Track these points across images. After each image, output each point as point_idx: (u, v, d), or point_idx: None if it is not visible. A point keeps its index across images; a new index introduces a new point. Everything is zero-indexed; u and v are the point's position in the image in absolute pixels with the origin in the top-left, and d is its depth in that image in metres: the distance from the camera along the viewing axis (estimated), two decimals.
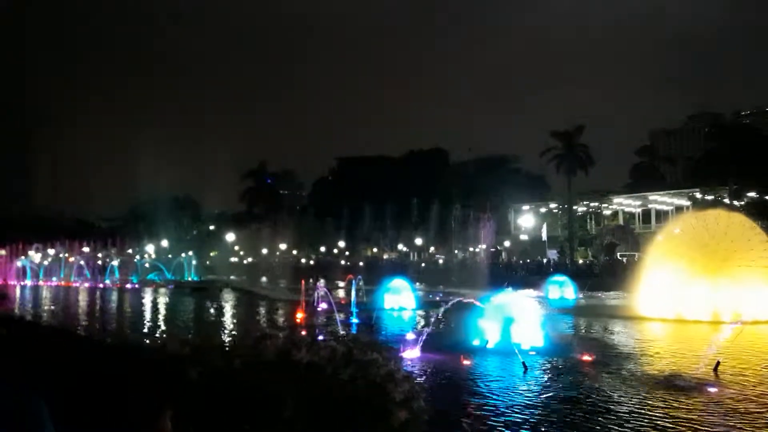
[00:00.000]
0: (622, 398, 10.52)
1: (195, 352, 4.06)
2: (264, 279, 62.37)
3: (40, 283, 69.32)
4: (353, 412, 3.63)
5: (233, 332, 21.15)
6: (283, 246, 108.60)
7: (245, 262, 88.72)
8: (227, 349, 4.17)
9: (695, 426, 8.69)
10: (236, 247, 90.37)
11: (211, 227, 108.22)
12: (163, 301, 41.24)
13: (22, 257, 78.69)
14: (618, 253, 74.37)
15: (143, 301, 40.78)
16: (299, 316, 24.37)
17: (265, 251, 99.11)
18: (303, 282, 36.52)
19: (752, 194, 72.53)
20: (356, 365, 3.90)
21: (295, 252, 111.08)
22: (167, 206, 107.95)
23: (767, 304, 22.48)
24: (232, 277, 62.70)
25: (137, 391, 2.82)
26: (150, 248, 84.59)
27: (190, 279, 67.76)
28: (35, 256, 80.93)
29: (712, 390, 10.82)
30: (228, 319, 27.54)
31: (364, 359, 3.98)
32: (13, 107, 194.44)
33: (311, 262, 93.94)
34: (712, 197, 71.40)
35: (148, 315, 31.42)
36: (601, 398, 10.51)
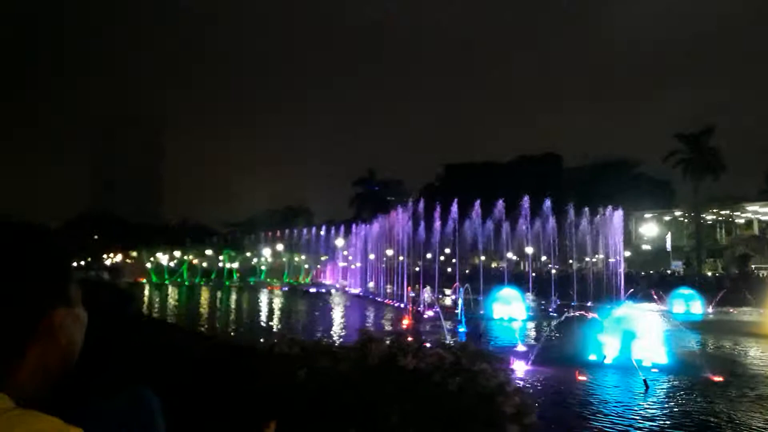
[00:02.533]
0: (755, 424, 9.46)
1: (303, 353, 4.05)
2: (371, 284, 63.39)
3: (167, 282, 74.87)
4: (460, 424, 3.43)
5: (340, 335, 21.54)
6: (390, 252, 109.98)
7: (353, 267, 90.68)
8: (333, 351, 4.13)
9: None
10: (345, 253, 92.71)
11: (323, 233, 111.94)
12: (277, 302, 42.99)
13: (151, 259, 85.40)
14: (752, 265, 67.95)
15: (258, 302, 42.74)
16: (405, 322, 24.39)
17: (372, 257, 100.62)
18: (409, 288, 36.61)
19: None
20: (464, 375, 3.69)
21: (401, 258, 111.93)
22: (282, 214, 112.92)
23: None
24: (341, 281, 64.27)
25: (244, 395, 2.83)
26: (267, 252, 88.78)
27: (303, 282, 70.32)
28: (162, 258, 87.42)
29: None
30: (335, 322, 28.14)
31: (472, 369, 3.77)
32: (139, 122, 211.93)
33: (417, 268, 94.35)
34: None
35: (261, 315, 32.85)
36: (731, 424, 9.51)
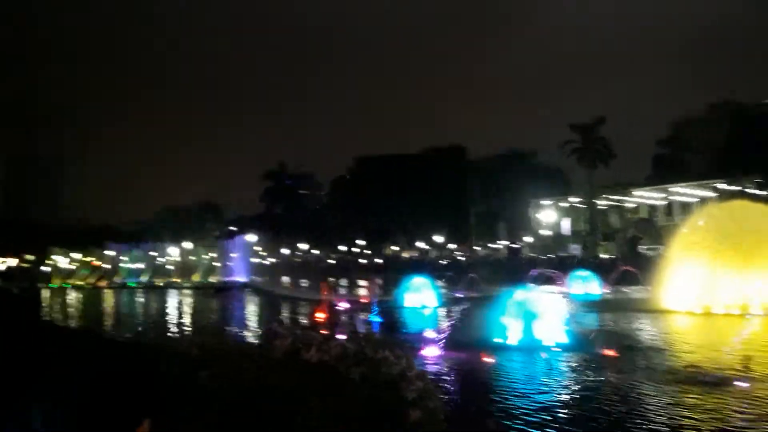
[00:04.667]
0: (647, 394, 10.27)
1: (203, 353, 3.98)
2: (285, 279, 62.67)
3: (64, 285, 70.51)
4: (363, 412, 3.48)
5: (247, 332, 21.21)
6: (303, 245, 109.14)
7: (265, 262, 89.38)
8: (237, 349, 4.08)
9: (724, 423, 8.43)
10: (257, 248, 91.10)
11: (233, 229, 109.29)
12: (185, 301, 41.60)
13: (47, 262, 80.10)
14: (641, 247, 73.31)
15: (165, 301, 41.18)
16: (319, 315, 24.35)
17: (285, 251, 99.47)
18: (323, 281, 36.58)
19: None
20: (367, 364, 3.75)
21: (315, 251, 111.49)
22: (190, 211, 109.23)
23: None
24: (253, 278, 63.08)
25: (127, 395, 2.75)
26: (174, 251, 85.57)
27: (212, 280, 68.36)
28: (60, 259, 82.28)
29: (743, 385, 10.51)
30: (244, 320, 27.66)
31: (375, 357, 3.84)
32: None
33: (332, 261, 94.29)
34: (737, 188, 70.00)
35: (165, 315, 31.71)
36: (625, 395, 10.27)
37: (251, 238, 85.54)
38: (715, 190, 74.17)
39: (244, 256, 74.22)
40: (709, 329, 19.87)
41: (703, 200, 73.58)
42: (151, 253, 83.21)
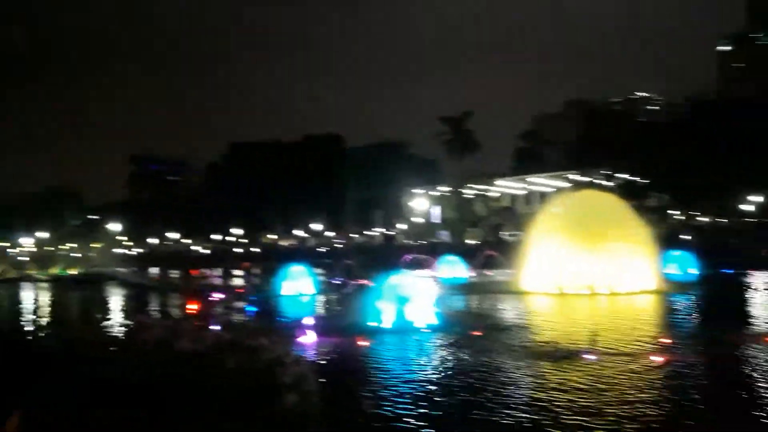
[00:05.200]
0: (507, 368, 11.18)
1: (65, 346, 3.85)
2: (154, 270, 59.65)
3: None
4: (240, 398, 3.60)
5: (112, 326, 20.11)
6: (174, 235, 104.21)
7: (132, 252, 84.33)
8: (102, 342, 3.99)
9: (574, 390, 9.42)
10: (122, 238, 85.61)
11: (95, 217, 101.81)
12: (42, 295, 38.32)
13: None
14: (504, 233, 78.39)
15: (18, 295, 37.68)
16: (191, 307, 23.57)
17: (155, 241, 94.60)
18: (196, 272, 35.43)
19: (623, 176, 78.85)
20: (243, 352, 3.86)
21: (187, 241, 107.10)
22: (43, 197, 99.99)
23: (637, 276, 24.65)
24: (119, 269, 59.38)
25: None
26: (28, 241, 78.18)
27: (73, 272, 63.39)
28: None
29: (590, 357, 11.72)
30: (109, 313, 26.09)
31: (251, 345, 3.95)
32: None
33: (206, 251, 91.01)
34: (588, 179, 76.98)
35: (23, 310, 29.10)
36: (488, 369, 11.11)
37: (115, 226, 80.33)
38: (569, 180, 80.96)
39: (107, 245, 69.60)
40: (562, 308, 21.80)
41: (558, 190, 79.98)
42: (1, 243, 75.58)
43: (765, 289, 27.21)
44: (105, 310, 27.36)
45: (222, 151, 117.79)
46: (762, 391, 9.37)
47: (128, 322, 19.97)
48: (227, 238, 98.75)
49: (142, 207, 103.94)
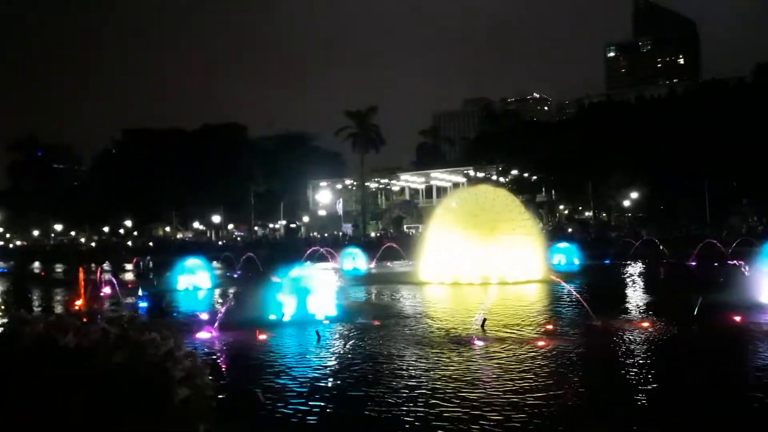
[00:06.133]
0: (404, 355, 11.56)
1: None
2: (36, 264, 55.61)
3: None
4: (129, 395, 3.54)
5: None
6: (58, 227, 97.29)
7: (11, 245, 78.06)
8: None
9: (464, 373, 9.93)
10: (1, 229, 79.02)
11: None
12: None
13: None
14: (404, 226, 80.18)
15: None
16: (78, 303, 22.28)
17: (36, 233, 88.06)
18: (82, 266, 33.45)
19: (515, 172, 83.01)
20: (132, 347, 3.79)
21: (73, 233, 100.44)
22: None
23: (526, 266, 26.09)
24: None
25: None
26: None
27: None
28: None
29: (480, 343, 12.36)
30: None
31: (140, 340, 3.88)
32: None
33: (93, 244, 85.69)
34: (483, 175, 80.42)
35: None
36: (385, 357, 11.43)
37: None
38: (466, 176, 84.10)
39: None
40: (456, 298, 22.67)
41: (456, 185, 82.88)
42: None
43: (637, 278, 29.70)
44: None
45: (115, 138, 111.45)
46: (637, 371, 10.31)
47: (6, 317, 18.62)
48: (119, 230, 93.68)
49: (23, 197, 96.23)
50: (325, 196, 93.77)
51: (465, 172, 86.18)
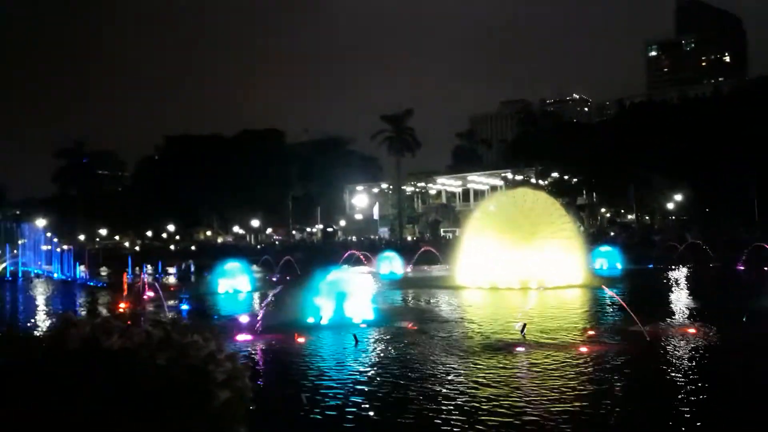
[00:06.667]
0: (442, 361, 11.46)
1: None
2: (82, 268, 57.29)
3: None
4: (171, 397, 3.55)
5: (38, 323, 19.28)
6: (103, 231, 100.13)
7: (59, 250, 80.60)
8: (23, 340, 3.87)
9: (504, 380, 9.78)
10: (48, 234, 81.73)
11: (17, 213, 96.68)
12: None
13: None
14: (441, 229, 79.78)
15: None
16: (122, 305, 22.86)
17: (82, 237, 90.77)
18: (127, 269, 34.33)
19: (555, 174, 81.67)
20: (174, 349, 3.80)
21: (117, 237, 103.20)
22: None
23: (567, 271, 25.61)
24: (45, 267, 56.65)
25: None
26: None
27: None
28: None
29: (520, 349, 12.16)
30: (35, 311, 24.94)
31: (182, 342, 3.89)
32: None
33: (137, 248, 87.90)
34: (521, 177, 79.40)
35: None
36: (422, 362, 11.36)
37: (41, 222, 76.67)
38: (504, 178, 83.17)
39: (33, 242, 66.22)
40: (494, 302, 22.38)
41: (494, 188, 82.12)
42: None
43: (683, 283, 28.84)
44: (30, 308, 26.12)
45: (157, 144, 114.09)
46: (680, 379, 9.99)
47: (53, 319, 19.23)
48: (162, 235, 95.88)
49: (69, 202, 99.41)
50: (361, 200, 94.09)
51: (503, 174, 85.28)
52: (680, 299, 22.50)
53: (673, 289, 26.20)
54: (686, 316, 17.37)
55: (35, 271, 52.89)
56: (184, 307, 22.27)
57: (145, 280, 30.48)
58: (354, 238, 79.80)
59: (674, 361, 11.41)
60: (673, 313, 17.80)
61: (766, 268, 23.44)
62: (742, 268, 32.67)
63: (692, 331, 13.98)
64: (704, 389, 9.33)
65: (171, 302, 23.16)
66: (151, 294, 26.24)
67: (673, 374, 10.34)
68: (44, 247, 72.14)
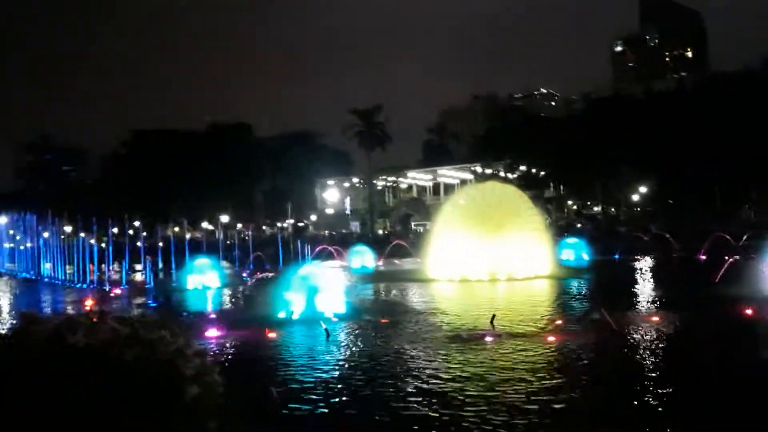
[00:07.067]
0: (413, 352, 11.55)
1: None
2: (48, 265, 55.99)
3: None
4: (139, 393, 3.54)
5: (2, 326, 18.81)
6: (68, 228, 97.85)
7: (21, 248, 78.56)
8: None
9: (474, 369, 9.91)
10: (11, 231, 79.56)
11: None
12: None
13: None
14: (412, 223, 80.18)
15: None
16: (88, 302, 22.43)
17: (46, 234, 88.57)
18: (93, 267, 33.66)
19: (523, 168, 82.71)
20: (142, 345, 3.78)
21: (83, 234, 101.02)
22: None
23: (534, 262, 26.01)
24: (8, 265, 55.29)
25: None
26: None
27: None
28: None
29: (489, 339, 12.32)
30: None
31: (150, 338, 3.88)
32: None
33: (103, 245, 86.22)
34: (490, 171, 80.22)
35: None
36: (393, 355, 11.43)
37: (3, 219, 74.59)
38: (474, 172, 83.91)
39: None
40: (465, 294, 22.62)
41: (464, 182, 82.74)
42: None
43: (647, 273, 29.55)
44: None
45: (124, 139, 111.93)
46: (645, 366, 10.26)
47: (11, 318, 18.80)
48: (128, 231, 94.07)
49: (33, 198, 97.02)
50: (332, 195, 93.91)
51: (472, 168, 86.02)
52: (645, 288, 23.06)
53: (638, 278, 26.82)
54: (650, 304, 17.81)
55: None
56: (153, 302, 21.98)
57: (112, 276, 29.97)
58: (325, 233, 79.61)
59: (640, 348, 11.70)
60: (639, 302, 18.24)
61: (726, 257, 24.20)
62: (703, 257, 33.60)
63: (656, 318, 14.35)
64: (670, 375, 9.60)
65: (138, 299, 22.83)
66: (118, 291, 25.83)
67: (638, 361, 10.61)
68: (7, 245, 70.25)
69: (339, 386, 9.51)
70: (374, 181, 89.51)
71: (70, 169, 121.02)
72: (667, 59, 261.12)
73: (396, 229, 79.20)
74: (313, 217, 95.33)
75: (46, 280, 40.19)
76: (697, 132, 68.14)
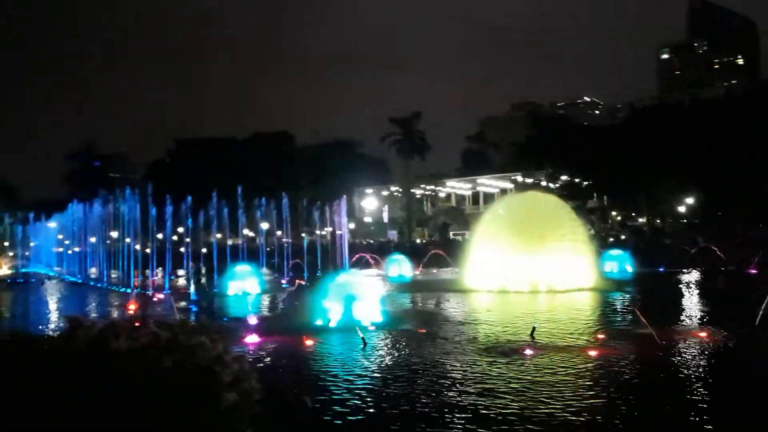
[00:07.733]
0: (450, 364, 11.41)
1: None
2: (93, 269, 57.75)
3: None
4: (178, 399, 3.59)
5: (47, 325, 19.41)
6: (114, 234, 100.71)
7: (70, 252, 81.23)
8: (31, 340, 3.90)
9: (514, 383, 9.72)
10: (60, 236, 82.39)
11: (30, 214, 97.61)
12: None
13: None
14: (451, 232, 79.66)
15: None
16: (131, 307, 22.98)
17: (93, 240, 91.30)
18: (137, 271, 34.55)
19: (564, 177, 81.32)
20: (181, 350, 3.84)
21: (128, 240, 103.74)
22: None
23: (576, 274, 25.45)
24: (56, 269, 57.22)
25: None
26: None
27: (7, 271, 60.58)
28: None
29: (529, 352, 12.09)
30: (45, 312, 25.12)
31: (189, 344, 3.93)
32: None
33: (147, 250, 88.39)
34: (531, 180, 79.14)
35: None
36: (430, 365, 11.31)
37: (53, 224, 77.33)
38: (514, 181, 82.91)
39: (45, 243, 66.89)
40: (504, 306, 22.27)
41: (503, 191, 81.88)
42: None
43: (694, 287, 28.60)
44: (40, 310, 26.31)
45: (168, 147, 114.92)
46: (690, 381, 9.90)
47: (59, 321, 19.35)
48: (172, 237, 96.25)
49: (81, 205, 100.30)
50: (370, 203, 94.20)
51: (512, 177, 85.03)
52: (691, 302, 22.31)
53: (684, 292, 25.99)
54: (697, 319, 17.21)
55: (47, 273, 53.41)
56: (194, 308, 22.37)
57: (155, 282, 30.64)
58: (363, 242, 79.85)
59: (685, 364, 11.30)
60: (683, 317, 17.65)
61: None
62: (754, 271, 32.35)
63: (703, 334, 13.85)
64: (716, 393, 9.23)
65: (180, 304, 23.26)
66: (160, 296, 26.39)
67: (684, 377, 10.24)
68: (55, 249, 72.70)
69: (373, 394, 9.45)
70: (412, 190, 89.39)
71: (116, 177, 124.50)
72: (716, 67, 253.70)
73: (434, 238, 78.85)
74: (351, 226, 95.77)
75: (92, 283, 41.38)
76: (746, 141, 65.81)
